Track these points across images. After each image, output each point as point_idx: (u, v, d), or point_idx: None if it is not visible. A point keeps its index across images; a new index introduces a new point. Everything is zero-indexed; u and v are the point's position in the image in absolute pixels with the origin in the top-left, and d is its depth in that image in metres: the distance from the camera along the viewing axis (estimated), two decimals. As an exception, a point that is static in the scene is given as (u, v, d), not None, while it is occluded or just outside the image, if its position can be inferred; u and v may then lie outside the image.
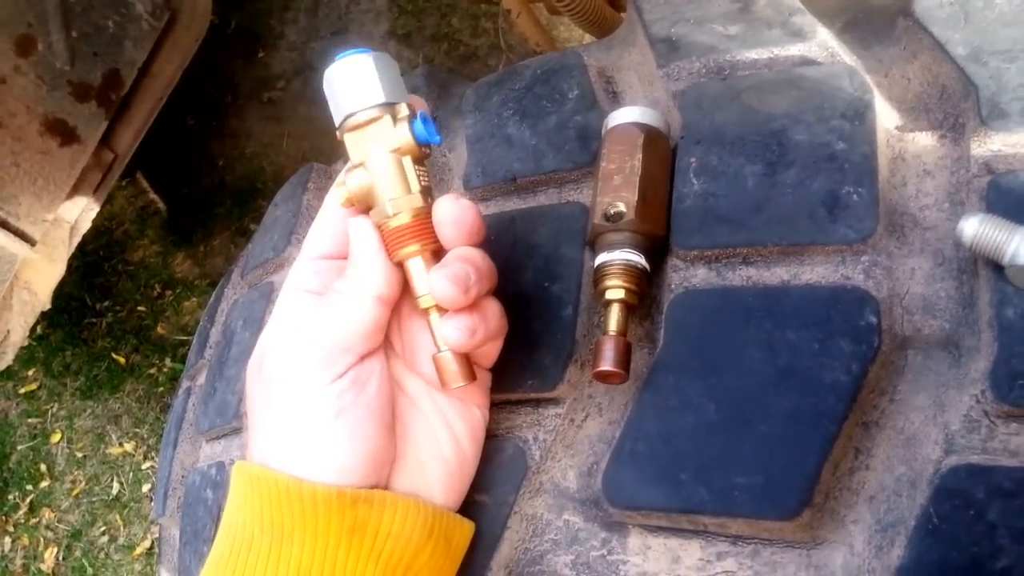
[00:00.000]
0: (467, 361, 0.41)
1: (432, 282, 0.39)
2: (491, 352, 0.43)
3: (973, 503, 0.34)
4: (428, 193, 0.41)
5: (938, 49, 0.43)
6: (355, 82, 0.40)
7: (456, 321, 0.39)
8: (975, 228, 0.36)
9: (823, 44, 0.46)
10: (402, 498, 0.40)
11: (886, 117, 0.43)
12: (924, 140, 0.42)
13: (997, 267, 0.37)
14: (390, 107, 0.40)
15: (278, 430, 0.40)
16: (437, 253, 0.41)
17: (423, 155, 0.41)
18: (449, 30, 1.99)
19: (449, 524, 0.41)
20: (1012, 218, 0.36)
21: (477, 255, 0.40)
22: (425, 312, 0.41)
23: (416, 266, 0.41)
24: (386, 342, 0.44)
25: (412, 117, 0.41)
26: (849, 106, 0.42)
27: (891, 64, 0.46)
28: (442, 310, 0.40)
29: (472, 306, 0.40)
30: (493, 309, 0.41)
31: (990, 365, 0.36)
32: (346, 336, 0.40)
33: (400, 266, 0.41)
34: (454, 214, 0.40)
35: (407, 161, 0.41)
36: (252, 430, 0.42)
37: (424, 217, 0.41)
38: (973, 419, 0.36)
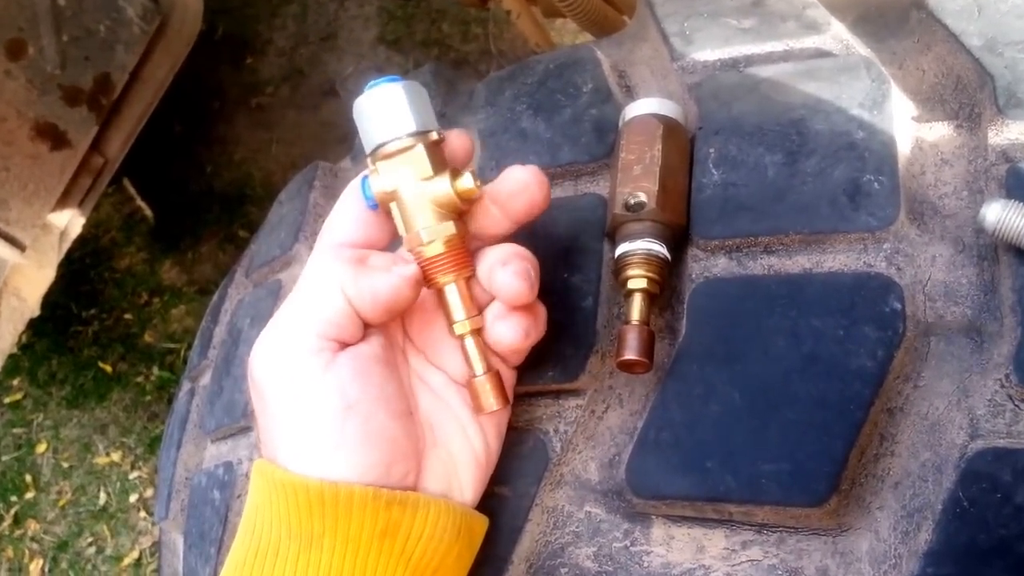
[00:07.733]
0: (500, 383, 0.41)
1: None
2: (524, 352, 0.43)
3: (1000, 486, 0.34)
4: (461, 219, 0.41)
5: (952, 41, 0.43)
6: (385, 111, 0.40)
7: (513, 321, 0.40)
8: (998, 213, 0.36)
9: (837, 36, 0.47)
10: (434, 500, 0.39)
11: (903, 107, 0.44)
12: (941, 130, 0.43)
13: (1019, 252, 0.37)
14: (421, 135, 0.40)
15: (287, 431, 0.39)
16: (471, 280, 0.41)
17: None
18: (439, 36, 1.99)
19: (472, 522, 0.41)
20: (1032, 205, 0.36)
21: (529, 252, 0.41)
22: (459, 337, 0.41)
23: (452, 293, 0.41)
24: (405, 336, 0.44)
25: (440, 143, 0.41)
26: (867, 96, 0.42)
27: (905, 56, 0.46)
28: (478, 336, 0.41)
29: (528, 306, 0.40)
30: (542, 308, 0.42)
31: (1014, 349, 0.36)
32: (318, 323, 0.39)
33: (436, 291, 0.41)
34: (523, 182, 0.40)
35: None
36: (262, 434, 0.41)
37: (459, 245, 0.41)
38: (998, 403, 0.36)
